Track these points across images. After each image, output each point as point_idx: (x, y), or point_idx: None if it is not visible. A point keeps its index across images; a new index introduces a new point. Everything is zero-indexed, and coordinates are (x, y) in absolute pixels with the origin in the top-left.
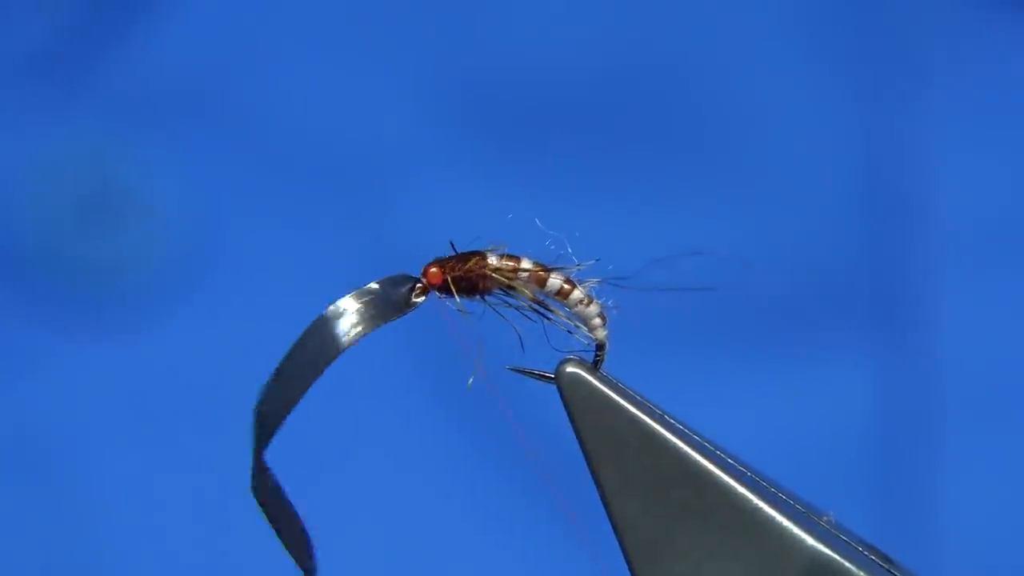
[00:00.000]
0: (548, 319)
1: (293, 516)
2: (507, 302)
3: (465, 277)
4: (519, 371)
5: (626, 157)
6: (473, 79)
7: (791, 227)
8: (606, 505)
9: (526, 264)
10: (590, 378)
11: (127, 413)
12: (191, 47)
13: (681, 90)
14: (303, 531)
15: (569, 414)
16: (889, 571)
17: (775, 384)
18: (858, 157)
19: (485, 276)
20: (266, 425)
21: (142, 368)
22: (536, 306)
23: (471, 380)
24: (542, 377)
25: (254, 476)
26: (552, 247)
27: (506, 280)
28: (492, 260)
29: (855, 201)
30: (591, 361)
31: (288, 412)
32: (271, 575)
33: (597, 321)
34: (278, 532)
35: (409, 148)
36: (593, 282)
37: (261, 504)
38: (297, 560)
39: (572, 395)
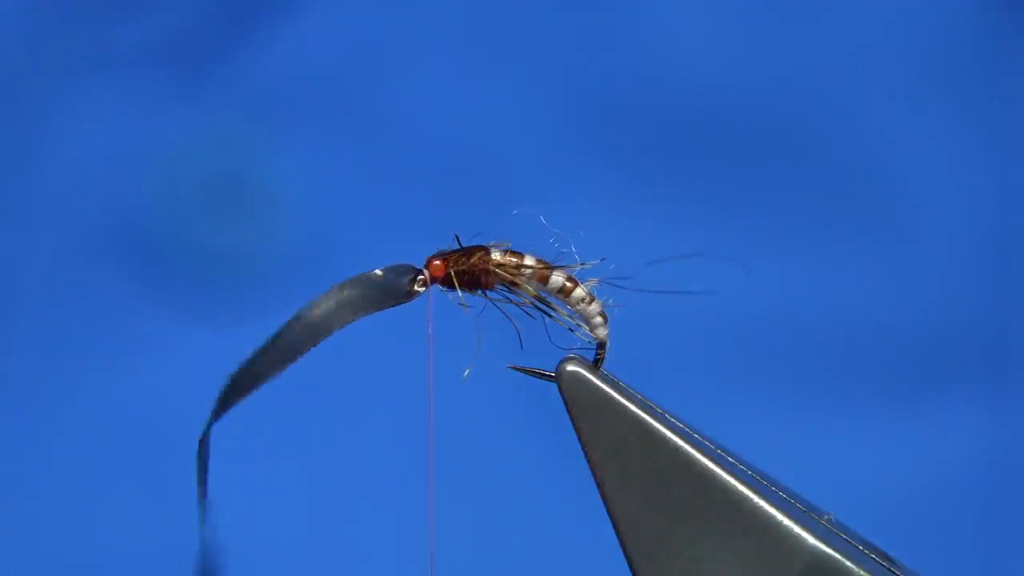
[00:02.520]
0: (550, 316)
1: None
2: (509, 298)
3: (468, 271)
4: (519, 369)
5: (751, 193)
6: (602, 96)
7: (916, 280)
8: (606, 503)
9: (529, 261)
10: (590, 377)
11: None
12: (325, 44)
13: (815, 135)
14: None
15: (569, 412)
16: (890, 570)
17: (888, 437)
18: (988, 212)
19: (488, 272)
20: (233, 393)
21: None
22: (537, 303)
23: (467, 372)
24: (542, 375)
25: (205, 432)
26: (555, 244)
27: (509, 277)
28: (495, 255)
29: (982, 257)
30: (592, 360)
31: (260, 386)
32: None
33: (598, 320)
34: (200, 483)
35: (533, 160)
36: (594, 281)
37: (200, 455)
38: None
39: (572, 394)
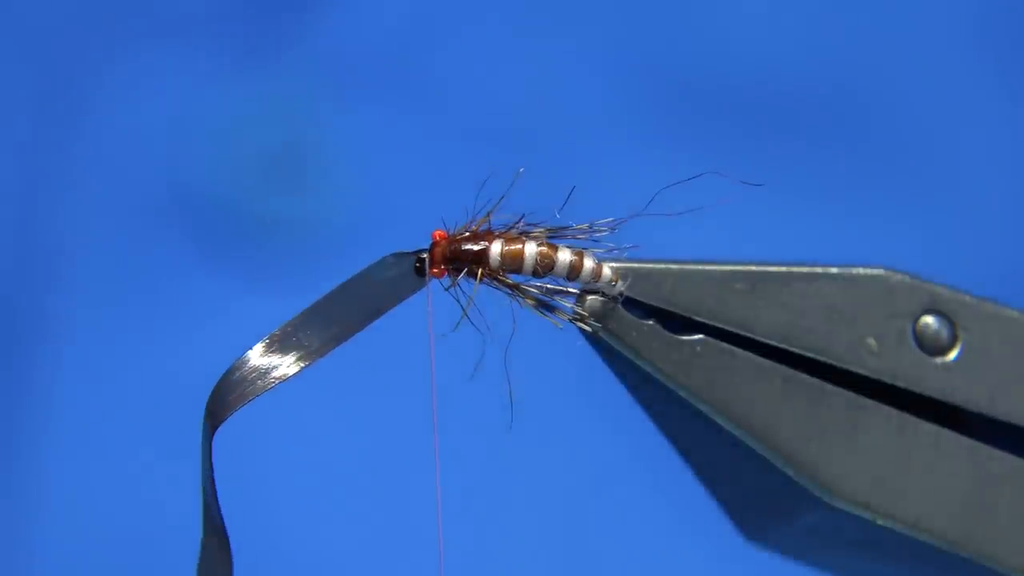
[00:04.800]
0: (550, 310)
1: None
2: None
3: (469, 275)
4: (539, 306)
5: (807, 155)
6: (665, 61)
7: (969, 238)
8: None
9: (530, 249)
10: (606, 336)
11: None
12: (381, 12)
13: (872, 98)
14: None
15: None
16: None
17: None
18: None
19: (489, 276)
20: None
21: None
22: (539, 303)
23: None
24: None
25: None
26: (559, 217)
27: (509, 291)
28: (495, 249)
29: None
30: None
31: (236, 410)
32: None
33: (612, 282)
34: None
35: (591, 127)
36: (605, 231)
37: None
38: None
39: (598, 346)
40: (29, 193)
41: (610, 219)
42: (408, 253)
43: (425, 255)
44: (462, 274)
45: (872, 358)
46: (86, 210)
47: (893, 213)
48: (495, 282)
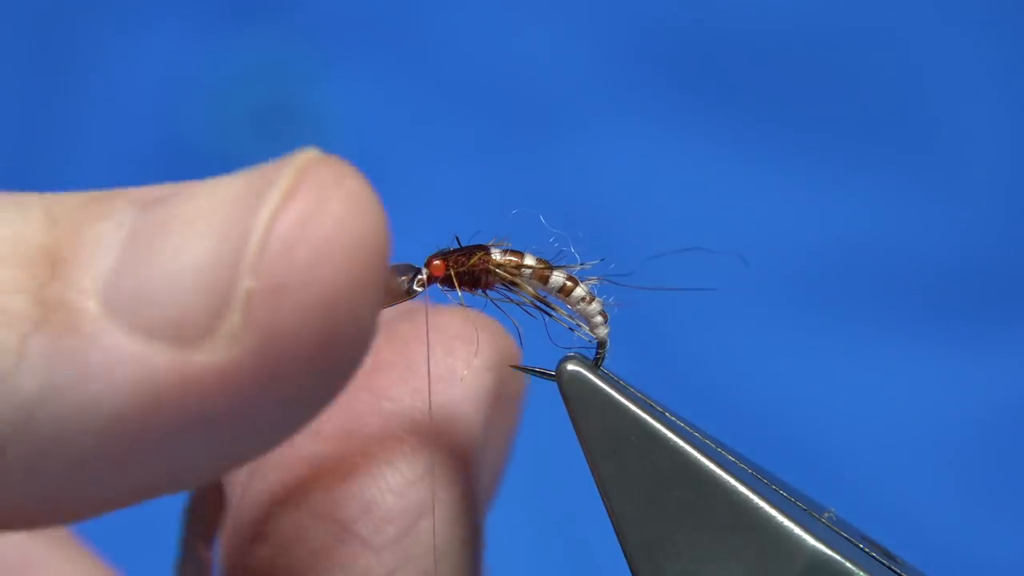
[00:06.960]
0: (550, 315)
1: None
2: (509, 297)
3: (468, 271)
4: (521, 368)
5: (803, 125)
6: (657, 26)
7: (967, 211)
8: (605, 502)
9: (529, 261)
10: (591, 376)
11: None
12: None
13: (865, 65)
14: None
15: (569, 411)
16: (890, 568)
17: (929, 363)
18: None
19: (488, 271)
20: None
21: None
22: (537, 303)
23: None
24: (543, 374)
25: None
26: (555, 244)
27: (509, 277)
28: (496, 255)
29: None
30: (593, 358)
31: None
32: None
33: (598, 319)
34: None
35: (583, 89)
36: (594, 280)
37: None
38: None
39: (572, 393)
40: (22, 149)
41: (599, 259)
42: (414, 266)
43: (425, 271)
44: (462, 269)
45: None
46: (77, 163)
47: (890, 181)
48: (495, 276)
